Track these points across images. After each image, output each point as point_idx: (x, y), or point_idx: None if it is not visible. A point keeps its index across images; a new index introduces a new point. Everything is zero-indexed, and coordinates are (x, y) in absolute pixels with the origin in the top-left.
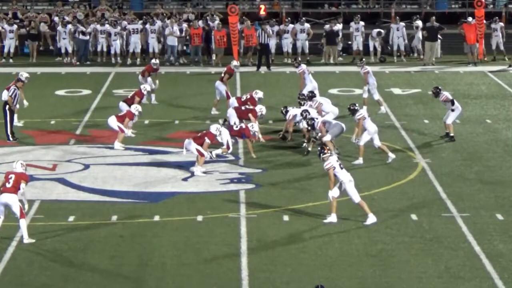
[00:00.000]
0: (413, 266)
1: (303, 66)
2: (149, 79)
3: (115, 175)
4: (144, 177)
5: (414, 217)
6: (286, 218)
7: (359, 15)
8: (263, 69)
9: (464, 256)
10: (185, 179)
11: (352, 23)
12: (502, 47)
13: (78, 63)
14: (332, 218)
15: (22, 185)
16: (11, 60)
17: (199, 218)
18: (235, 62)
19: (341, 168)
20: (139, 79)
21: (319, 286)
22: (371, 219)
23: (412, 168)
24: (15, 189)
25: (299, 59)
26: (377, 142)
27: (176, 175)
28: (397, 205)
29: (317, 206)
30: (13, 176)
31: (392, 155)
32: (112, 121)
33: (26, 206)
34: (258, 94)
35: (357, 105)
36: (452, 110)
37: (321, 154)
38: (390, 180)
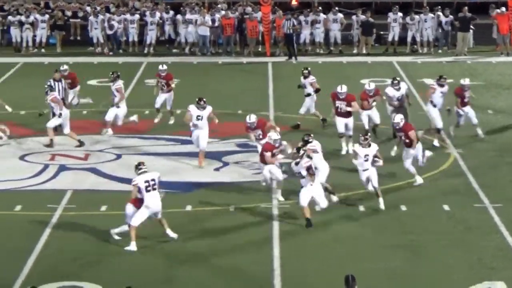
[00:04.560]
0: (444, 257)
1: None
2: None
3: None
4: (176, 167)
5: (446, 207)
6: (318, 207)
7: (397, 6)
8: (293, 59)
9: (496, 247)
10: (217, 169)
11: (390, 14)
12: None
13: (111, 53)
14: (132, 246)
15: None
16: (43, 50)
17: (231, 208)
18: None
19: None
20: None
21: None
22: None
23: (444, 158)
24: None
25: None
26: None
27: (208, 164)
28: (429, 196)
29: (350, 196)
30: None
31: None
32: None
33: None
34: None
35: None
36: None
37: None
38: (422, 171)
